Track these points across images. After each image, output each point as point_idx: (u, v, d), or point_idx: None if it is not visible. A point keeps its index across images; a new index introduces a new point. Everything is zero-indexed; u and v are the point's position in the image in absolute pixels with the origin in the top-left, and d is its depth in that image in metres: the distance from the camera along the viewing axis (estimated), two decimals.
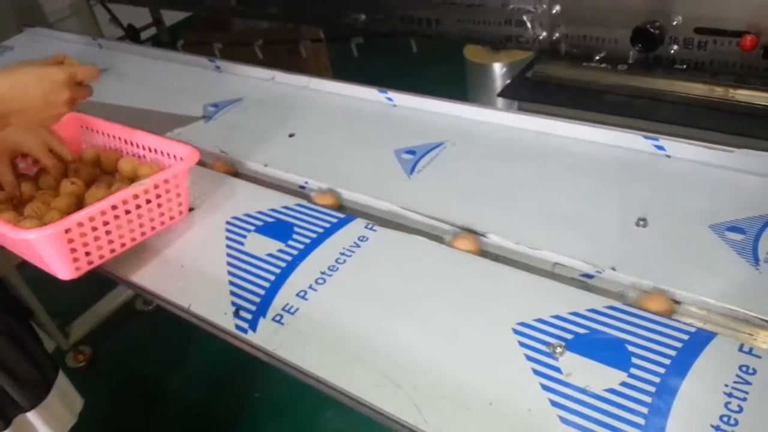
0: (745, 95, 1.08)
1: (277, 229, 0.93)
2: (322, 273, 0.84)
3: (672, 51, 1.14)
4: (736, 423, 0.59)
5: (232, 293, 0.84)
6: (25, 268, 1.67)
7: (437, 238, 0.88)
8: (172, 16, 2.81)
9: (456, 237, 0.87)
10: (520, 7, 1.29)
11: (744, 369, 0.63)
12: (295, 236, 0.91)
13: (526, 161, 0.99)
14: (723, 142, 0.94)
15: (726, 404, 0.60)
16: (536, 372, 0.67)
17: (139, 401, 1.87)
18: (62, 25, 2.36)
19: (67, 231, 0.82)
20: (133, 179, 0.98)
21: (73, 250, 0.84)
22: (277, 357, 0.76)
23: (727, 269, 0.74)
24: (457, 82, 2.20)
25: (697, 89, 1.12)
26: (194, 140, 1.11)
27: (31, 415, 1.12)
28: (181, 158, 0.96)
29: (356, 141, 1.11)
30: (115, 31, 2.49)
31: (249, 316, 0.81)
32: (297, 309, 0.80)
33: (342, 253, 0.86)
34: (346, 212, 0.95)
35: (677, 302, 0.73)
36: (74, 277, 0.87)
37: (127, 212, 0.89)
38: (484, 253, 0.86)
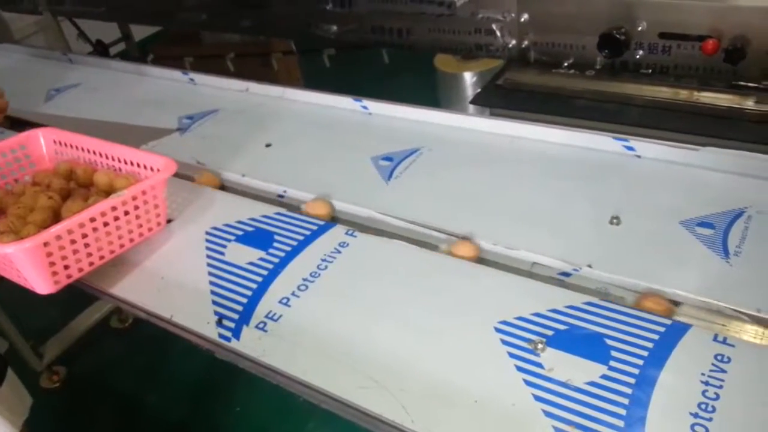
0: (708, 97, 1.11)
1: (257, 237, 0.94)
2: (304, 279, 0.85)
3: (638, 56, 1.17)
4: (714, 410, 0.60)
5: (214, 302, 0.84)
6: None
7: (417, 242, 0.90)
8: (141, 31, 2.80)
9: (456, 244, 0.87)
10: (489, 16, 1.31)
11: (719, 358, 0.65)
12: (275, 244, 0.91)
13: (501, 165, 1.01)
14: (689, 142, 0.97)
15: (703, 392, 0.62)
16: (519, 368, 0.68)
17: (116, 421, 1.84)
18: (29, 42, 2.34)
19: (45, 244, 0.82)
20: (109, 192, 0.97)
21: (52, 264, 0.84)
22: (262, 364, 0.76)
23: (699, 263, 0.77)
24: (428, 92, 2.23)
25: (662, 92, 1.15)
26: (170, 152, 1.09)
27: None
28: (158, 169, 0.96)
29: (333, 149, 1.12)
30: (83, 47, 2.47)
31: (232, 325, 0.81)
32: (280, 316, 0.80)
33: (323, 260, 0.87)
34: (326, 218, 0.96)
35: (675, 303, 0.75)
36: (53, 291, 0.86)
37: (105, 224, 0.88)
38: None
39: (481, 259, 0.86)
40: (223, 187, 1.11)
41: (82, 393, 1.93)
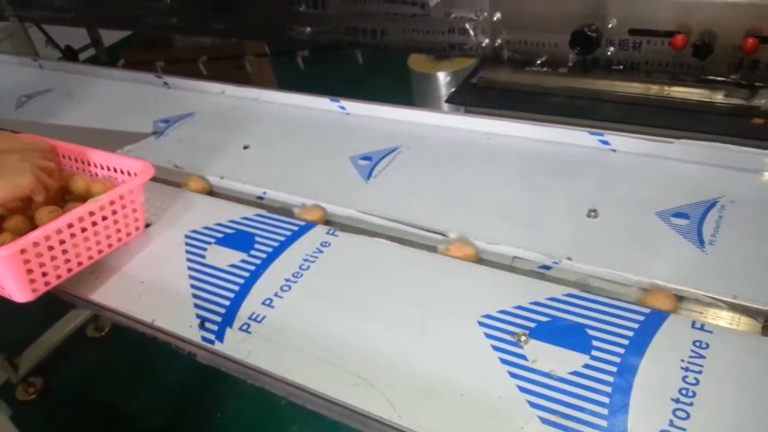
0: (679, 92, 1.14)
1: (237, 239, 0.93)
2: (287, 280, 0.85)
3: (609, 52, 1.19)
4: (694, 395, 0.62)
5: (196, 306, 0.84)
6: None
7: (398, 240, 0.90)
8: (111, 36, 2.76)
9: (451, 244, 0.87)
10: (462, 16, 1.33)
11: (698, 344, 0.67)
12: (256, 246, 0.91)
13: (479, 162, 1.02)
14: (661, 136, 0.98)
15: (683, 378, 0.64)
16: (503, 361, 0.69)
17: (96, 431, 1.81)
18: None
19: (22, 251, 0.80)
20: (86, 197, 0.96)
21: (30, 271, 0.82)
22: (247, 365, 0.75)
23: (675, 253, 0.79)
24: (402, 93, 2.23)
25: (634, 88, 1.18)
26: (146, 156, 1.09)
27: None
28: (135, 173, 0.95)
29: (312, 150, 1.13)
30: (52, 53, 2.43)
31: (215, 327, 0.80)
32: (264, 317, 0.80)
33: (305, 260, 0.87)
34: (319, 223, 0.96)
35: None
36: (31, 299, 0.84)
37: (83, 230, 0.87)
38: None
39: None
40: (211, 192, 1.09)
41: (60, 404, 1.90)
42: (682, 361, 0.65)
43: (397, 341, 0.74)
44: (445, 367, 0.70)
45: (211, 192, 1.10)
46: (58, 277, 0.87)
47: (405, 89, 2.26)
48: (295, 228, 0.93)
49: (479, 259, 0.86)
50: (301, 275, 0.85)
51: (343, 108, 1.22)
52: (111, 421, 1.82)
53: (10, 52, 2.10)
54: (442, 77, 2.16)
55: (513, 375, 0.67)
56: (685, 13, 1.09)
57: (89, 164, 1.02)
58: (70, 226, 0.85)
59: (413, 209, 0.93)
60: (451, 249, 0.86)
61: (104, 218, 0.89)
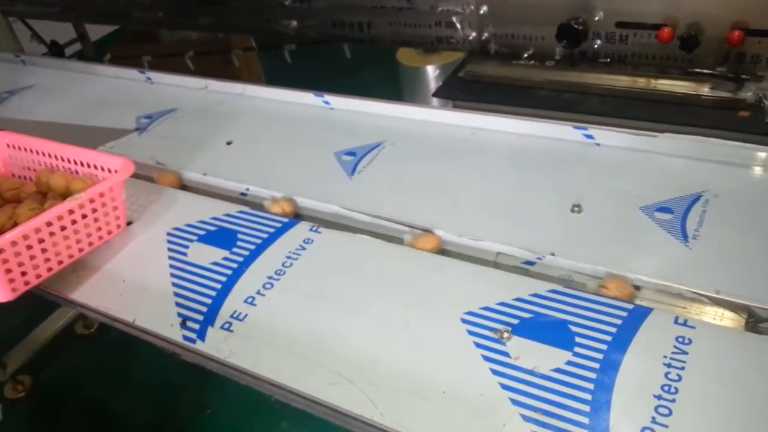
0: (665, 84, 1.13)
1: (220, 237, 0.92)
2: (269, 278, 0.84)
3: (596, 46, 1.19)
4: (677, 391, 0.62)
5: (178, 304, 0.83)
6: None
7: (382, 236, 0.89)
8: (97, 31, 2.74)
9: (418, 237, 0.87)
10: (448, 9, 1.32)
11: (680, 340, 0.66)
12: (239, 243, 0.90)
13: (464, 157, 1.02)
14: (648, 129, 0.98)
15: (666, 374, 0.63)
16: (486, 358, 0.69)
17: (85, 428, 1.80)
18: None
19: (0, 250, 0.79)
20: (66, 195, 0.95)
21: (8, 271, 0.81)
22: (229, 364, 0.75)
23: (659, 247, 0.78)
24: (391, 86, 2.22)
25: (621, 81, 1.17)
26: (128, 153, 1.09)
27: None
28: (116, 171, 0.94)
29: (295, 145, 1.12)
30: (38, 48, 2.41)
31: (196, 326, 0.79)
32: (245, 315, 0.79)
33: (288, 257, 0.86)
34: (290, 216, 0.95)
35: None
36: (11, 298, 0.83)
37: (63, 228, 0.86)
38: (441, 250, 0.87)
39: (445, 251, 0.86)
40: (184, 186, 1.09)
41: (48, 402, 1.88)
42: (665, 357, 0.65)
43: (380, 339, 0.73)
44: (427, 365, 0.69)
45: (183, 186, 1.08)
46: (38, 276, 0.86)
47: (394, 83, 2.25)
48: (279, 225, 0.92)
49: (446, 251, 0.86)
50: (284, 273, 0.84)
51: (327, 103, 1.21)
52: (100, 418, 1.81)
53: None
54: (431, 71, 2.15)
55: (495, 372, 0.67)
56: (672, 6, 1.08)
57: (69, 161, 1.00)
58: (49, 224, 0.84)
59: (397, 205, 0.92)
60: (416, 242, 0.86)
61: (84, 216, 0.88)
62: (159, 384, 1.84)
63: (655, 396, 0.61)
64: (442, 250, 0.86)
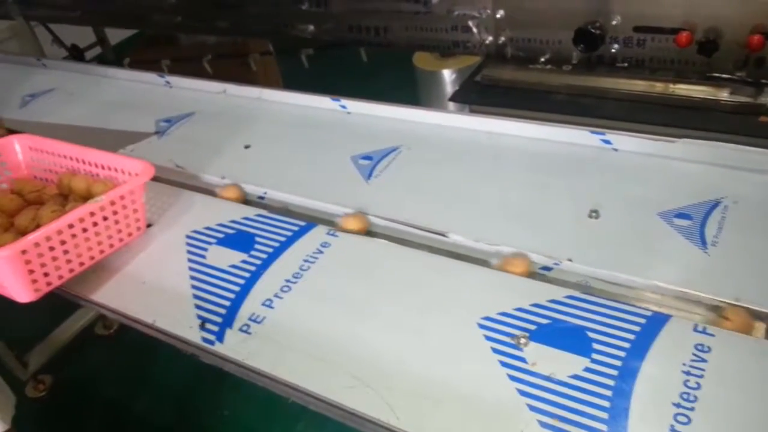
0: (683, 89, 1.13)
1: (238, 240, 0.93)
2: (287, 281, 0.84)
3: (613, 50, 1.18)
4: (696, 399, 0.61)
5: (197, 306, 0.84)
6: None
7: (398, 241, 0.90)
8: (116, 35, 2.77)
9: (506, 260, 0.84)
10: (465, 13, 1.32)
11: (699, 347, 0.66)
12: (257, 246, 0.91)
13: (480, 161, 1.02)
14: (665, 134, 0.98)
15: (685, 382, 0.63)
16: (503, 363, 0.69)
17: (102, 428, 1.82)
18: (2, 48, 2.31)
19: (23, 252, 0.81)
20: (87, 197, 0.96)
21: (31, 272, 0.83)
22: (247, 366, 0.75)
23: (678, 254, 0.78)
24: (407, 90, 2.23)
25: (638, 86, 1.17)
26: (148, 156, 1.09)
27: None
28: (136, 174, 0.95)
29: (313, 149, 1.12)
30: (58, 52, 2.44)
31: (215, 328, 0.80)
32: (264, 318, 0.80)
33: (305, 260, 0.87)
34: (306, 219, 0.96)
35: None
36: (33, 299, 0.85)
37: (84, 230, 0.87)
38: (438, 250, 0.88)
39: (461, 255, 0.86)
40: (247, 201, 1.06)
41: (68, 401, 1.90)
42: (684, 364, 0.64)
43: (397, 343, 0.73)
44: (444, 369, 0.69)
45: (246, 201, 1.06)
46: (60, 277, 0.87)
47: (410, 87, 2.25)
48: (296, 228, 0.93)
49: (461, 255, 0.86)
50: (301, 276, 0.85)
51: (344, 107, 1.22)
52: (119, 418, 1.82)
53: (17, 52, 2.11)
54: (448, 75, 2.15)
55: (513, 378, 0.67)
56: (690, 10, 1.08)
57: (90, 164, 1.02)
58: (71, 226, 0.85)
59: (413, 209, 0.93)
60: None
61: (105, 218, 0.90)
62: (177, 385, 1.85)
63: (674, 404, 0.61)
64: (460, 255, 0.86)
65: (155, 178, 0.96)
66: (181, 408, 1.81)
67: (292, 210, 1.01)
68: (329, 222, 0.96)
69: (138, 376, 1.92)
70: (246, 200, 1.04)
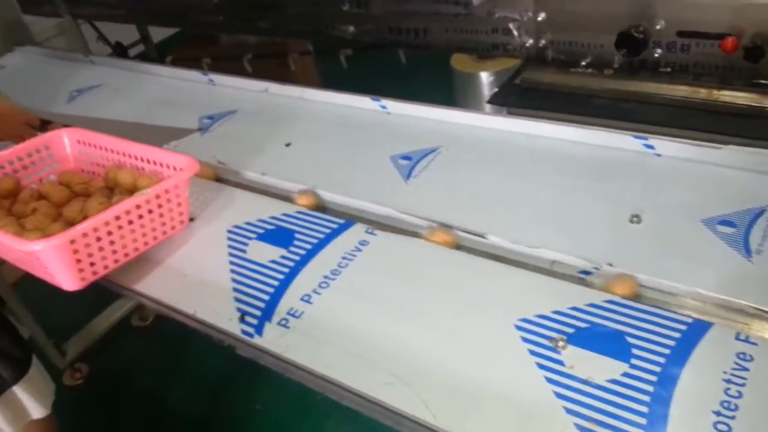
0: (728, 96, 1.11)
1: (278, 235, 0.95)
2: (325, 277, 0.86)
3: (656, 54, 1.17)
4: (736, 408, 0.61)
5: (237, 299, 0.85)
6: (19, 287, 1.67)
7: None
8: (159, 33, 2.82)
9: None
10: (506, 16, 1.31)
11: (741, 356, 0.65)
12: (296, 242, 0.92)
13: (520, 163, 1.02)
14: (708, 141, 0.96)
15: (726, 390, 0.62)
16: (540, 366, 0.69)
17: (136, 417, 1.86)
18: (50, 44, 2.37)
19: (71, 242, 0.83)
20: (133, 191, 0.99)
21: (78, 261, 0.85)
22: (285, 359, 0.77)
23: (721, 261, 0.77)
24: (444, 92, 2.23)
25: (681, 91, 1.15)
26: (191, 152, 1.11)
27: (17, 389, 1.16)
28: (181, 168, 0.97)
29: (352, 148, 1.13)
30: (103, 49, 2.50)
31: (255, 321, 0.82)
32: (302, 312, 0.81)
33: (344, 258, 0.88)
34: (345, 217, 0.97)
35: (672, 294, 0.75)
36: (80, 287, 0.88)
37: (130, 222, 0.90)
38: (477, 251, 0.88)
39: (499, 257, 0.86)
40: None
41: (104, 390, 1.95)
42: (725, 372, 0.64)
43: (434, 341, 0.74)
44: (481, 370, 0.70)
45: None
46: (105, 267, 0.90)
47: (447, 88, 2.25)
48: (335, 226, 0.94)
49: (500, 257, 0.85)
50: (340, 272, 0.86)
51: (384, 107, 1.22)
52: (152, 407, 1.86)
53: (64, 48, 2.17)
54: (485, 77, 2.15)
55: (550, 380, 0.67)
56: (737, 16, 1.06)
57: (136, 158, 1.04)
58: (118, 218, 0.88)
59: (452, 210, 0.93)
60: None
61: (150, 211, 0.92)
62: (210, 377, 1.88)
63: (714, 412, 0.61)
64: (499, 257, 0.86)
65: (197, 173, 0.98)
66: (213, 400, 1.84)
67: (331, 208, 1.02)
68: (368, 221, 0.96)
69: (172, 368, 1.95)
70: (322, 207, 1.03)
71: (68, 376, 1.95)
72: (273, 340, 0.79)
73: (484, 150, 1.06)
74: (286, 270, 0.88)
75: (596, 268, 0.80)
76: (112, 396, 1.93)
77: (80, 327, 2.01)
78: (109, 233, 0.88)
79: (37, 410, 1.21)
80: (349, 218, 0.96)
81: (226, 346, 0.85)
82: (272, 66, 2.31)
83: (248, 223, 0.98)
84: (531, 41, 1.31)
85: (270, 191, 1.09)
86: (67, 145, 1.14)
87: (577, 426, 0.62)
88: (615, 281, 0.76)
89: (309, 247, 0.91)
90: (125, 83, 1.57)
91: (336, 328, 0.78)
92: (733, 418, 0.60)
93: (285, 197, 1.04)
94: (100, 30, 2.47)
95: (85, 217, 0.92)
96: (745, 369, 0.64)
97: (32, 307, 1.72)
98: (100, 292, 0.96)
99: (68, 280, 0.86)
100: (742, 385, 0.62)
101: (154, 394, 1.90)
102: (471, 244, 0.89)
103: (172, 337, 1.94)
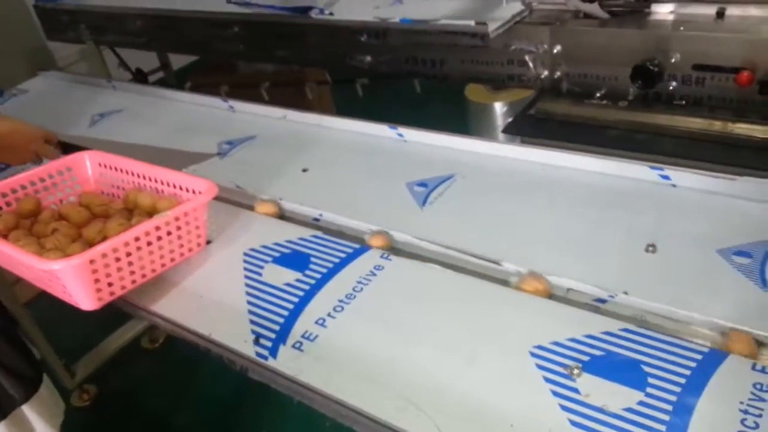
0: (743, 128, 1.12)
1: (294, 259, 0.96)
2: (340, 301, 0.86)
3: (671, 87, 1.18)
4: None
5: (252, 322, 0.86)
6: (31, 307, 1.68)
7: (452, 267, 0.90)
8: (179, 60, 2.88)
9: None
10: (522, 48, 1.33)
11: (758, 387, 0.65)
12: (311, 266, 0.93)
13: (535, 192, 1.02)
14: (722, 173, 0.97)
15: (742, 421, 0.62)
16: (555, 393, 0.69)
17: None
18: (71, 70, 2.42)
19: (91, 261, 0.84)
20: (152, 213, 1.00)
21: (97, 281, 0.86)
22: (299, 382, 0.77)
23: (736, 292, 0.77)
24: (458, 122, 2.25)
25: (696, 124, 1.16)
26: (210, 176, 1.13)
27: (26, 408, 1.15)
28: (200, 192, 0.98)
29: (369, 175, 1.15)
30: (124, 75, 2.55)
31: (269, 344, 0.82)
32: (316, 336, 0.82)
33: (359, 282, 0.88)
34: (360, 243, 0.97)
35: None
36: (97, 307, 0.88)
37: (149, 244, 0.91)
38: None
39: (515, 286, 0.86)
40: (282, 216, 1.11)
41: (111, 411, 1.95)
42: (741, 403, 0.63)
43: (448, 367, 0.74)
44: (495, 396, 0.70)
45: (282, 216, 1.10)
46: (123, 287, 0.91)
47: (461, 118, 2.27)
48: (350, 250, 0.95)
49: (551, 295, 0.84)
50: (355, 297, 0.86)
51: (401, 135, 1.24)
52: (158, 430, 1.86)
53: (86, 73, 2.22)
54: (499, 107, 2.17)
55: (564, 408, 0.67)
56: (752, 50, 1.07)
57: (156, 181, 1.06)
58: (137, 239, 0.89)
59: (467, 237, 0.93)
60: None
61: (168, 233, 0.93)
62: (218, 401, 1.88)
63: None
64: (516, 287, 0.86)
65: (217, 197, 0.99)
66: (221, 423, 1.83)
67: (346, 233, 1.03)
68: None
69: (180, 391, 1.95)
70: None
71: (76, 397, 1.95)
72: (287, 362, 0.79)
73: (500, 178, 1.07)
74: (302, 293, 0.89)
75: (611, 297, 0.80)
76: (120, 418, 1.93)
77: (90, 348, 2.01)
78: (128, 254, 0.89)
79: (45, 430, 1.21)
80: (365, 243, 0.97)
81: (236, 370, 0.85)
82: (289, 94, 2.35)
83: (264, 247, 0.99)
84: (546, 73, 1.33)
85: (287, 216, 1.10)
86: (88, 167, 1.16)
87: None
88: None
89: (324, 271, 0.92)
90: (146, 108, 1.60)
91: (350, 351, 0.79)
92: None
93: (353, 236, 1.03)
94: (122, 56, 2.52)
95: (105, 238, 0.94)
96: (762, 399, 0.63)
97: (43, 327, 1.73)
98: (110, 314, 0.97)
99: (86, 300, 0.87)
100: (759, 416, 0.62)
101: (162, 417, 1.90)
102: (486, 270, 0.89)
103: (181, 360, 1.94)
